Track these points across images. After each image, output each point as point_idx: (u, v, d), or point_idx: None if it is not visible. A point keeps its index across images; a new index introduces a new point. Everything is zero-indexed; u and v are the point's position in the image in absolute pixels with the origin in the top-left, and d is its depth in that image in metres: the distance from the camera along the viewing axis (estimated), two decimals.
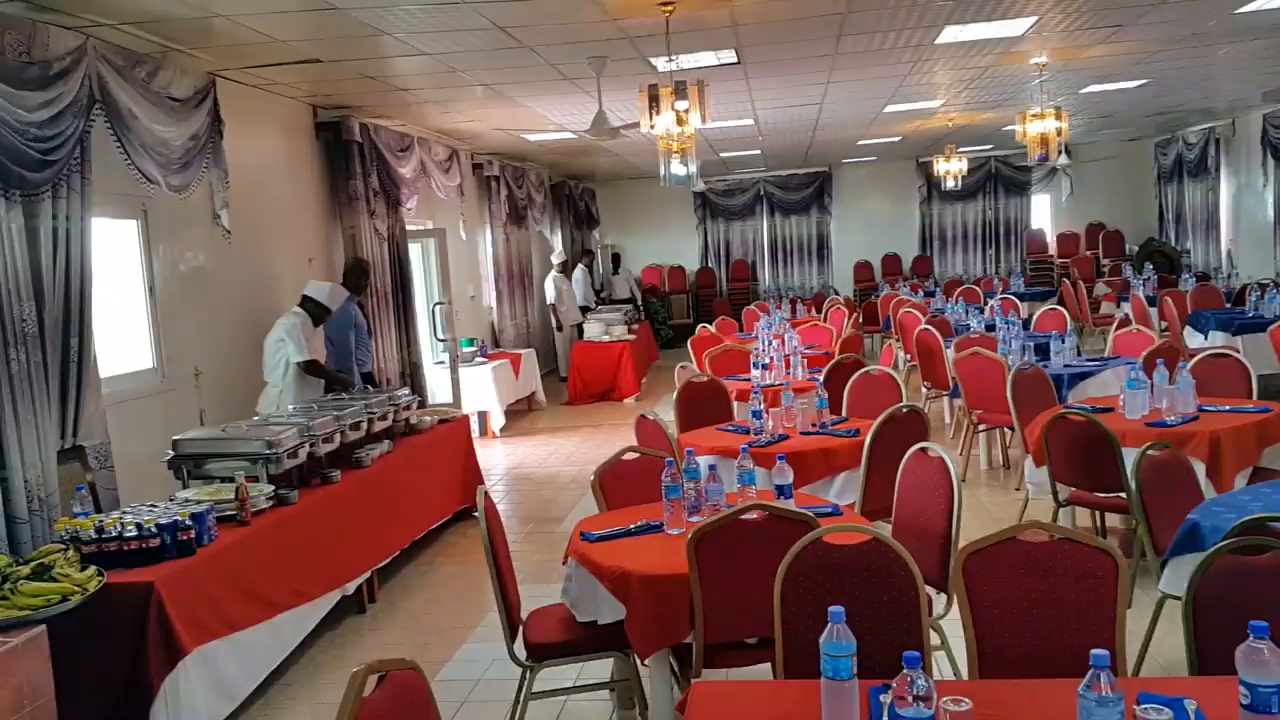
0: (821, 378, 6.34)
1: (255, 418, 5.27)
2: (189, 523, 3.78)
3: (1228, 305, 10.19)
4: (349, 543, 4.89)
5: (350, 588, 4.88)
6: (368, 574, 5.10)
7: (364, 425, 5.30)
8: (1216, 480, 4.35)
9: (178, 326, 5.67)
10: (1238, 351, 6.28)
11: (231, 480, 4.32)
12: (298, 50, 5.68)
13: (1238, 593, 2.47)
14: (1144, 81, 9.34)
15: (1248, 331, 8.31)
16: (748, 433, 4.96)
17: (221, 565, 3.88)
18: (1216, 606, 2.48)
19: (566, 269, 12.97)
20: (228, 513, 4.14)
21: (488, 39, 5.63)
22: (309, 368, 5.83)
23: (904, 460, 3.74)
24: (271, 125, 6.92)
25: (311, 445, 4.76)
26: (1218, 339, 8.58)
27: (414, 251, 9.10)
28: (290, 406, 5.41)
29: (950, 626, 3.04)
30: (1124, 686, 2.05)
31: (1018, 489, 6.09)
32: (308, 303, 5.91)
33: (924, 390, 8.53)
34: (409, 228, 8.48)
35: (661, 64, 6.22)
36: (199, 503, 4.08)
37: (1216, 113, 13.18)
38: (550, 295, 12.59)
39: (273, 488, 4.43)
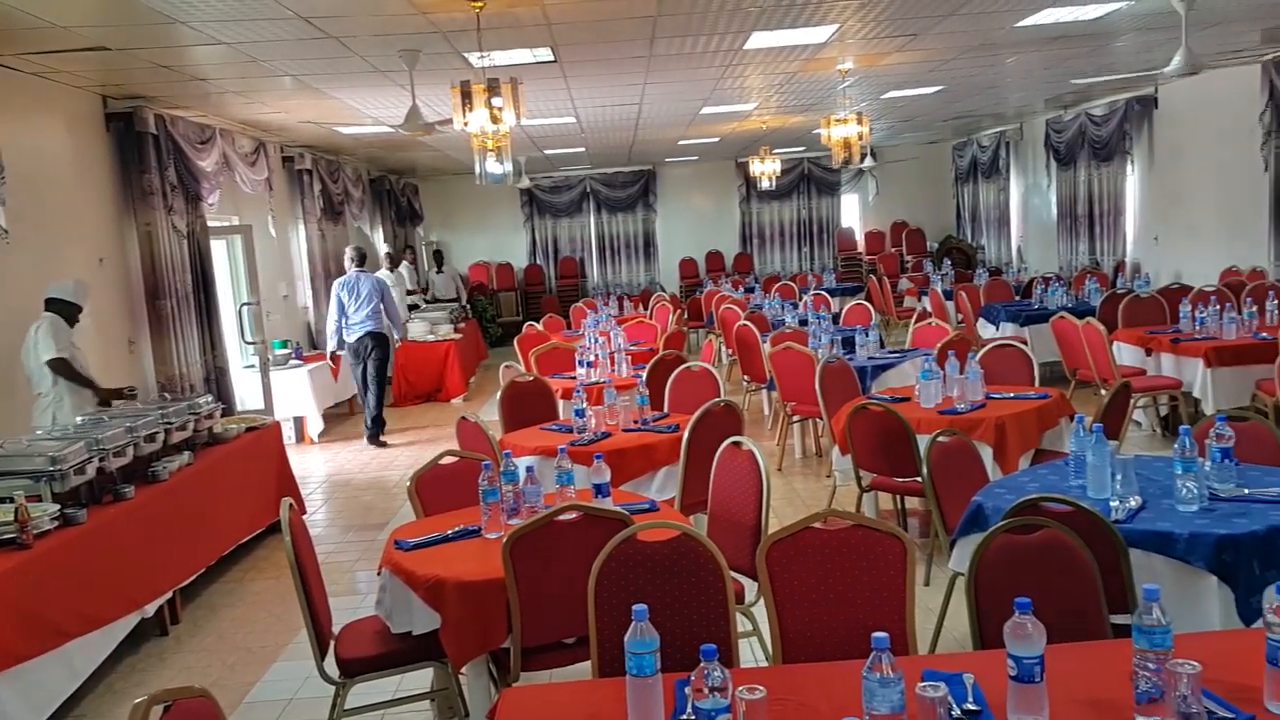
0: (644, 374, 6.44)
1: (37, 431, 4.88)
2: None
3: (1017, 298, 10.99)
4: (146, 562, 4.60)
5: (150, 609, 4.60)
6: (169, 594, 4.82)
7: (160, 436, 4.99)
8: (1002, 463, 4.68)
9: None
10: (1025, 342, 6.79)
11: (10, 500, 3.98)
12: (82, 37, 5.29)
13: (1013, 569, 2.67)
14: (940, 88, 9.94)
15: (1034, 322, 8.99)
16: (571, 431, 4.98)
17: None
18: (995, 583, 2.66)
19: (394, 264, 12.62)
20: (6, 536, 3.81)
21: (290, 29, 5.41)
22: (56, 366, 5.32)
23: (717, 455, 3.84)
24: (55, 116, 6.41)
25: (101, 460, 4.45)
26: (1008, 330, 9.24)
27: (219, 249, 8.64)
28: (78, 418, 5.03)
29: (762, 613, 3.15)
30: (911, 664, 2.18)
31: (829, 476, 6.37)
32: (53, 304, 5.49)
33: (744, 383, 8.80)
34: (212, 224, 8.05)
35: (475, 59, 6.15)
36: None
37: (1006, 118, 14.19)
38: None
39: (58, 507, 4.11)
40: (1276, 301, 7.43)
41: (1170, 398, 7.15)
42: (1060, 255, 13.46)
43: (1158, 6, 6.44)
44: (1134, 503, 3.24)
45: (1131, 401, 5.91)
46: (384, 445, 9.08)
